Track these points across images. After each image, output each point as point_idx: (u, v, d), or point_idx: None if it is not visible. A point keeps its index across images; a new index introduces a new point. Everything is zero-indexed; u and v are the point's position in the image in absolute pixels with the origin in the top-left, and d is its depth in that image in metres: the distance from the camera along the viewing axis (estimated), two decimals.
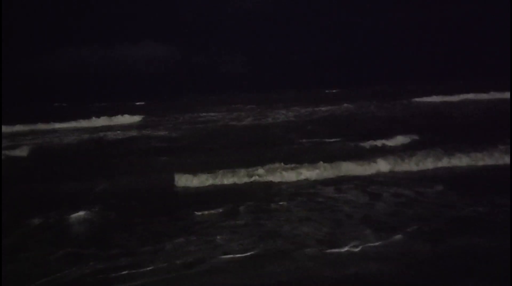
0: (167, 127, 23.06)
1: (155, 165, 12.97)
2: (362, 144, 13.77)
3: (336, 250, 6.22)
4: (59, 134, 22.52)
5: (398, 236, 6.58)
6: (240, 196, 9.27)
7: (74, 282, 5.68)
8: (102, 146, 18.08)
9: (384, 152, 12.36)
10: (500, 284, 5.09)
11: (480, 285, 5.07)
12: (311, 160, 11.39)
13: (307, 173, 10.63)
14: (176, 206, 8.87)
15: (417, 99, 30.02)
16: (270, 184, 10.23)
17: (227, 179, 10.57)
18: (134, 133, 21.43)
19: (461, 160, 11.08)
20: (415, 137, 14.45)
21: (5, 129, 23.84)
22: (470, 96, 29.39)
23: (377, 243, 6.36)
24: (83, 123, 26.65)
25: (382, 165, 10.89)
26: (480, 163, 10.91)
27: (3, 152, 15.59)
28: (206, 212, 8.22)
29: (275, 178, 10.53)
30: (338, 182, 10.00)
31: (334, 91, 49.02)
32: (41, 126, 25.94)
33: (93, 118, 27.42)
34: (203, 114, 29.16)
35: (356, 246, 6.27)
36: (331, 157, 11.64)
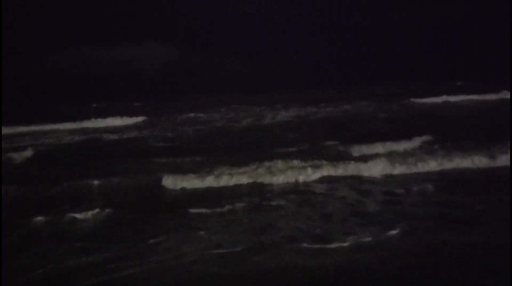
0: (166, 127, 23.05)
1: (149, 166, 12.95)
2: (365, 146, 13.33)
3: None
4: (58, 135, 22.52)
5: None
6: (230, 196, 9.46)
7: (72, 271, 6.17)
8: (99, 147, 18.09)
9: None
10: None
11: None
12: (305, 162, 11.53)
13: (300, 176, 10.67)
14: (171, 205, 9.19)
15: (420, 100, 29.72)
16: (261, 185, 10.33)
17: (216, 181, 10.61)
18: (133, 134, 21.41)
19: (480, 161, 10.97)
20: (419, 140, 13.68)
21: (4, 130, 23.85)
22: (472, 97, 29.22)
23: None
24: (83, 124, 26.66)
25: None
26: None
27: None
28: (198, 211, 8.48)
29: (272, 179, 10.56)
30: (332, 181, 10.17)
31: (334, 91, 48.94)
32: (41, 127, 25.94)
33: (93, 119, 27.46)
34: (201, 114, 29.17)
35: None
36: (328, 158, 11.72)
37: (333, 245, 6.43)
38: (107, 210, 8.89)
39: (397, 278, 5.41)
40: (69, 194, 10.43)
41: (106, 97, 53.06)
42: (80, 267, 6.31)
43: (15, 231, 8.05)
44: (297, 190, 9.81)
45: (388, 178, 10.34)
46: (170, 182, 10.72)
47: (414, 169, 10.80)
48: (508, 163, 10.59)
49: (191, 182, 10.65)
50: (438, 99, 29.46)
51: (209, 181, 10.61)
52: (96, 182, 11.09)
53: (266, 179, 10.58)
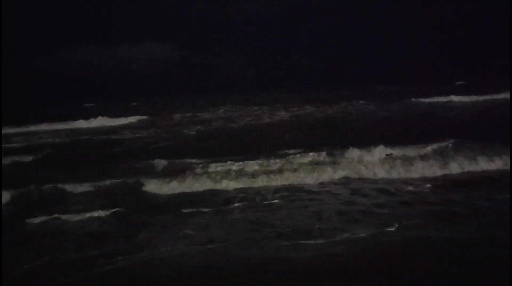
0: (164, 128, 22.84)
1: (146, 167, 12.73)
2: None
3: None
4: (58, 136, 22.35)
5: None
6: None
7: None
8: (94, 147, 17.86)
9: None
10: None
11: None
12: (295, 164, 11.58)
13: (292, 179, 10.56)
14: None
15: (422, 100, 29.35)
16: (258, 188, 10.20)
17: (200, 183, 10.62)
18: (130, 134, 21.16)
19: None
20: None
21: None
22: (472, 97, 28.90)
23: None
24: (84, 124, 26.62)
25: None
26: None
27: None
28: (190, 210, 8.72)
29: (268, 181, 10.46)
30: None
31: (333, 91, 48.73)
32: (41, 127, 25.91)
33: (92, 119, 27.32)
34: (199, 114, 28.98)
35: None
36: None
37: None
38: (100, 212, 8.95)
39: None
40: (61, 195, 10.44)
41: (106, 97, 53.05)
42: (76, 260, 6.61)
43: (11, 230, 8.25)
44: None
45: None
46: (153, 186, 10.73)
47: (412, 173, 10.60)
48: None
49: (171, 187, 10.60)
50: (440, 99, 29.13)
51: (182, 184, 10.64)
52: (86, 184, 10.96)
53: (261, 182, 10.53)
